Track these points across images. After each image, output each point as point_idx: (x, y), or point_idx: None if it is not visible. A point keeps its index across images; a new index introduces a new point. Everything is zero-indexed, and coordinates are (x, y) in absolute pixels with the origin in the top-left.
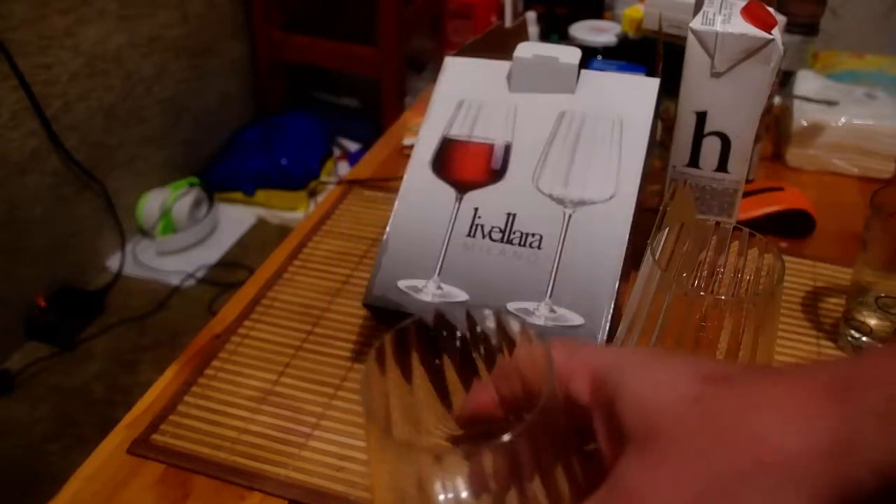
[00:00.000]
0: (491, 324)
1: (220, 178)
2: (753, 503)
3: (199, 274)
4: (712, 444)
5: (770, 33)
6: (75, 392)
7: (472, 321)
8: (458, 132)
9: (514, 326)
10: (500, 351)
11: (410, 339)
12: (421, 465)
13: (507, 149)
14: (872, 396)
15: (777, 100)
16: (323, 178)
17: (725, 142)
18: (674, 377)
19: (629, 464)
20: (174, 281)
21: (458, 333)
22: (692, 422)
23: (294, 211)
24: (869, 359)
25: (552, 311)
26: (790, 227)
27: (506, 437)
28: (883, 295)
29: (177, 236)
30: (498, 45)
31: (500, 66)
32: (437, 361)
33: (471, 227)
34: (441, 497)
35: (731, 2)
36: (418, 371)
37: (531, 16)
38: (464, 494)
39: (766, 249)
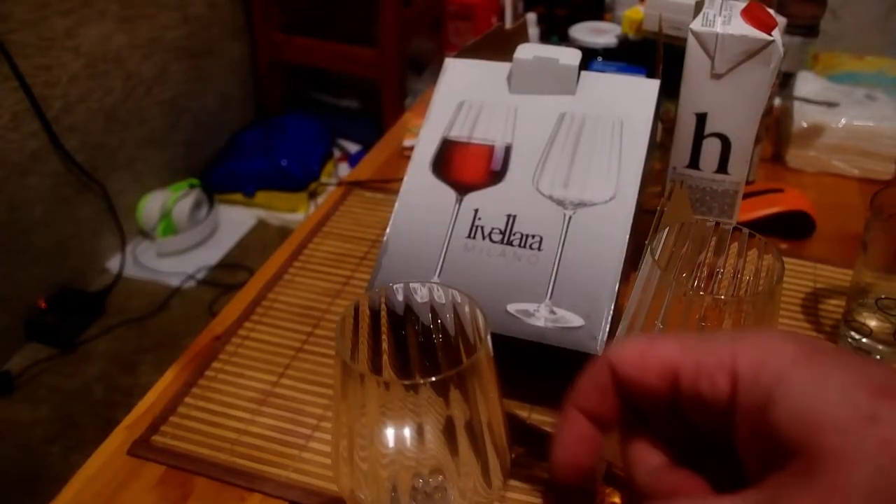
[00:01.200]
0: (422, 299)
1: (220, 179)
2: None
3: (200, 275)
4: (889, 482)
5: (770, 35)
6: (76, 393)
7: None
8: (458, 133)
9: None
10: (431, 322)
11: (381, 306)
12: (372, 390)
13: (508, 150)
14: None
15: (777, 101)
16: (323, 179)
17: (726, 143)
18: (842, 386)
19: (790, 485)
20: (174, 282)
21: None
22: (869, 449)
23: (294, 212)
24: None
25: (552, 312)
26: (790, 229)
27: (437, 377)
28: (883, 296)
29: (177, 238)
30: (498, 46)
31: (500, 68)
32: (402, 331)
33: (471, 229)
34: (385, 419)
35: (732, 3)
36: (386, 334)
37: (531, 17)
38: (405, 419)
39: (766, 250)
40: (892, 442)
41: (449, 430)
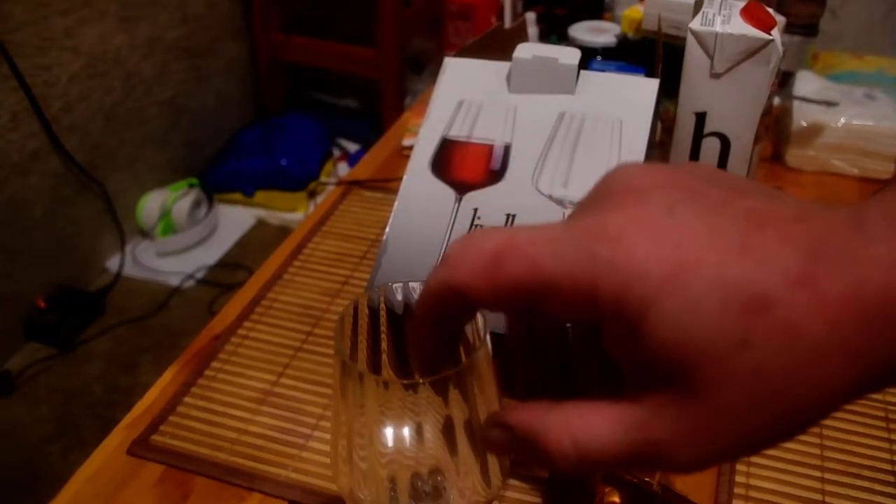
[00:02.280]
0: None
1: (219, 178)
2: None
3: (199, 275)
4: (759, 404)
5: (769, 34)
6: (75, 393)
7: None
8: (457, 133)
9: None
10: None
11: (380, 304)
12: (371, 389)
13: (507, 149)
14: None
15: (777, 100)
16: (323, 178)
17: (725, 143)
18: (713, 310)
19: (666, 408)
20: (174, 282)
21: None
22: (742, 376)
23: (294, 212)
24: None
25: None
26: None
27: (436, 377)
28: None
29: (176, 237)
30: (497, 45)
31: (499, 67)
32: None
33: (470, 228)
34: (384, 419)
35: (731, 2)
36: (385, 333)
37: (531, 16)
38: (404, 418)
39: None
40: (762, 367)
41: (448, 430)
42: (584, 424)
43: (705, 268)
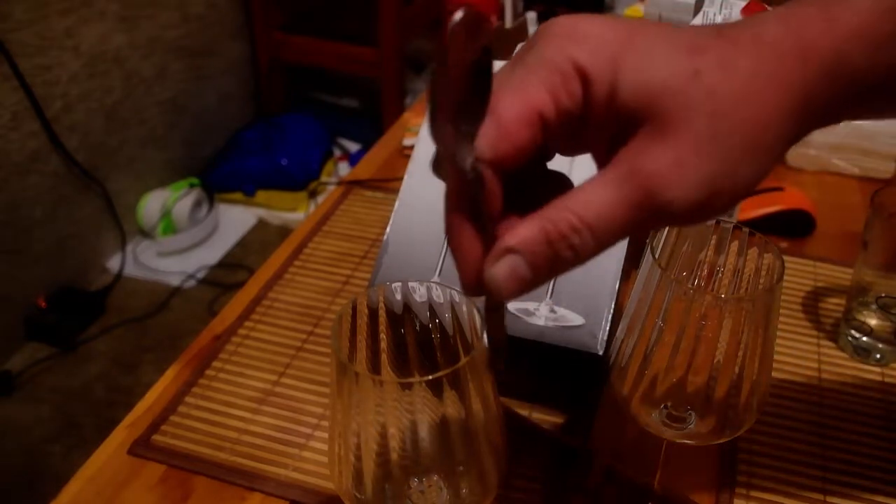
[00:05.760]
0: (421, 297)
1: (220, 178)
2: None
3: (200, 275)
4: (721, 125)
5: None
6: (76, 393)
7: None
8: None
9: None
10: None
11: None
12: (367, 389)
13: None
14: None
15: None
16: (323, 178)
17: None
18: (665, 56)
19: (645, 147)
20: (175, 282)
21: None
22: (700, 100)
23: (294, 211)
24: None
25: (552, 311)
26: (790, 227)
27: (430, 377)
28: (883, 295)
29: (177, 237)
30: (498, 46)
31: (500, 67)
32: (401, 330)
33: None
34: (380, 418)
35: (731, 2)
36: (384, 331)
37: (531, 16)
38: (400, 418)
39: (766, 248)
40: (713, 90)
41: (444, 430)
42: (583, 202)
43: (651, 31)
